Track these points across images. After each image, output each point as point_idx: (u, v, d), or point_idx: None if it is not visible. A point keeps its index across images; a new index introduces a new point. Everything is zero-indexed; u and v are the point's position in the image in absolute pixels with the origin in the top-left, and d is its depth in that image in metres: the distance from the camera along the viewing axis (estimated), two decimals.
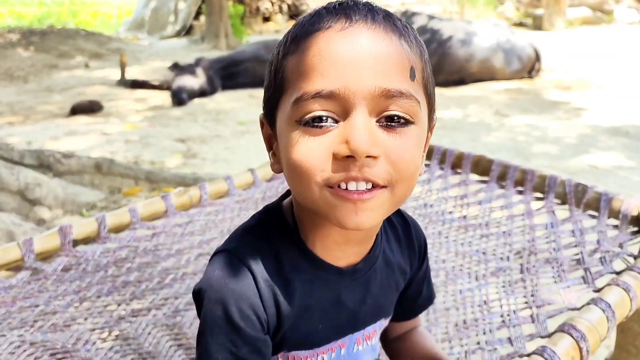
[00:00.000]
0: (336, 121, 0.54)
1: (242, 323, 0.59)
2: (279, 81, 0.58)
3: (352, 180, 0.53)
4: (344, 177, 0.53)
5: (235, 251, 0.62)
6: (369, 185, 0.54)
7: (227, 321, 0.59)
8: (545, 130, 4.66)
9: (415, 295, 0.80)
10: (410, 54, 0.55)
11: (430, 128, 0.64)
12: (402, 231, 0.75)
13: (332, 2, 0.58)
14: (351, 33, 0.53)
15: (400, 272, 0.74)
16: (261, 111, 0.65)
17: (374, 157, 0.53)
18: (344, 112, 0.53)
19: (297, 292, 0.63)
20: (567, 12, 14.03)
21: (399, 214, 0.75)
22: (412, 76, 0.55)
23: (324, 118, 0.54)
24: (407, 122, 0.55)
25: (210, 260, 0.64)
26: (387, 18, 0.56)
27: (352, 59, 0.52)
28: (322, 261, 0.64)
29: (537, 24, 13.95)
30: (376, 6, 0.58)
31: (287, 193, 0.69)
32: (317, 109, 0.53)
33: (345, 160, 0.53)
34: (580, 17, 14.45)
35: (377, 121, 0.54)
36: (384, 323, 0.75)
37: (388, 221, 0.72)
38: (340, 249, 0.64)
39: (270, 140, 0.63)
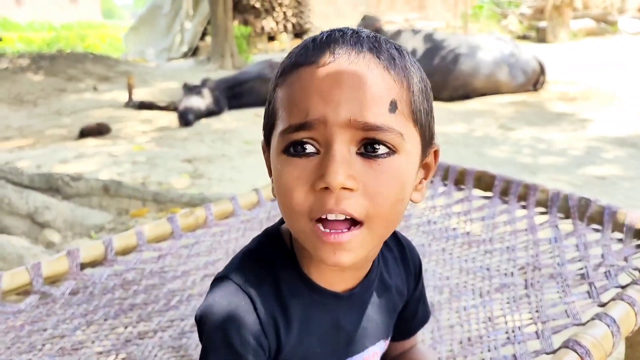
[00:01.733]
0: (318, 151, 0.56)
1: (242, 350, 0.60)
2: (271, 112, 0.61)
3: (329, 212, 0.54)
4: (321, 209, 0.55)
5: (235, 278, 0.63)
6: (342, 217, 0.55)
7: (228, 348, 0.60)
8: (550, 143, 4.65)
9: (411, 315, 0.81)
10: (392, 87, 0.56)
11: (428, 155, 0.64)
12: (397, 253, 0.75)
13: (322, 34, 0.60)
14: (333, 68, 0.55)
15: (398, 294, 0.75)
16: None
17: (350, 190, 0.54)
18: (325, 142, 0.55)
19: (296, 317, 0.64)
20: (570, 24, 14.09)
21: (394, 235, 0.76)
22: (392, 109, 0.55)
23: (306, 146, 0.55)
24: (389, 152, 0.56)
25: (211, 285, 0.66)
26: (372, 50, 0.57)
27: (332, 92, 0.54)
28: (319, 287, 0.65)
29: (541, 37, 14.01)
30: (364, 36, 0.58)
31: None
32: (299, 138, 0.55)
33: (323, 192, 0.54)
34: (584, 29, 14.49)
35: (357, 150, 0.55)
36: (383, 345, 0.75)
37: (384, 244, 0.73)
38: (336, 274, 0.65)
39: (270, 164, 0.65)
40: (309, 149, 0.56)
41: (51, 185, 2.96)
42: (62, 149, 4.67)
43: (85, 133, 5.29)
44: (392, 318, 0.75)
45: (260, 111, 6.08)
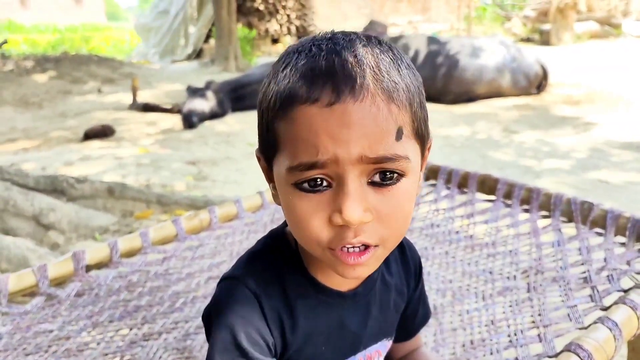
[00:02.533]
0: (330, 184, 0.56)
1: (249, 347, 0.61)
2: (272, 138, 0.59)
3: (348, 244, 0.57)
4: (340, 242, 0.57)
5: (242, 278, 0.65)
6: (362, 248, 0.58)
7: (235, 346, 0.61)
8: (554, 146, 4.65)
9: (412, 315, 0.82)
10: (398, 115, 0.56)
11: (426, 151, 0.65)
12: (397, 252, 0.77)
13: (318, 59, 0.56)
14: (339, 109, 0.54)
15: (398, 293, 0.76)
16: None
17: (366, 222, 0.56)
18: (337, 177, 0.56)
19: (301, 316, 0.65)
20: (574, 26, 14.06)
21: None
22: (399, 137, 0.56)
23: (319, 181, 0.56)
24: (398, 177, 0.57)
25: (218, 285, 0.67)
26: (375, 82, 0.55)
27: (341, 132, 0.53)
28: (324, 286, 0.67)
29: (545, 39, 14.00)
30: (364, 62, 0.55)
31: None
32: (312, 175, 0.56)
33: (340, 227, 0.56)
34: (588, 31, 14.47)
35: (368, 181, 0.56)
36: (387, 344, 0.77)
37: None
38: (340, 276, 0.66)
39: (268, 173, 0.65)
40: (321, 183, 0.56)
41: (56, 187, 2.98)
42: (66, 151, 4.69)
43: (89, 135, 5.31)
44: (395, 317, 0.77)
45: None
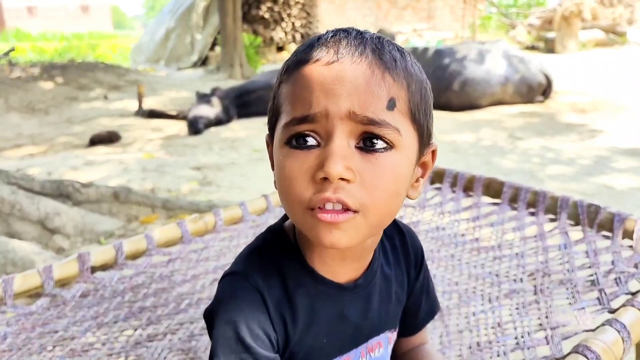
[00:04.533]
0: (319, 144, 0.58)
1: (252, 342, 0.60)
2: (275, 106, 0.63)
3: (326, 201, 0.56)
4: (319, 198, 0.56)
5: (243, 273, 0.64)
6: (339, 208, 0.57)
7: (238, 341, 0.60)
8: (559, 152, 4.63)
9: (415, 308, 0.81)
10: (392, 86, 0.58)
11: (426, 154, 0.66)
12: (398, 242, 0.76)
13: (327, 33, 0.62)
14: (336, 67, 0.57)
15: (399, 285, 0.75)
16: None
17: (348, 180, 0.56)
18: (326, 135, 0.57)
19: (301, 308, 0.65)
20: (579, 34, 14.07)
21: (394, 224, 0.77)
22: (391, 107, 0.57)
23: (307, 138, 0.58)
24: (387, 147, 0.58)
25: (219, 282, 0.67)
26: (374, 51, 0.59)
27: (334, 88, 0.56)
28: (324, 278, 0.67)
29: (550, 47, 14.01)
30: (368, 38, 0.60)
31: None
32: (302, 130, 0.58)
33: (323, 182, 0.56)
34: (593, 39, 14.48)
35: (356, 144, 0.57)
36: (390, 336, 0.76)
37: (383, 233, 0.74)
38: (338, 265, 0.67)
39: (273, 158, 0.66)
40: (310, 141, 0.58)
41: (62, 192, 2.99)
42: (72, 157, 4.71)
43: (95, 141, 5.34)
44: (397, 309, 0.76)
45: None
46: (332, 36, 0.61)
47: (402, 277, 0.76)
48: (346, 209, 0.57)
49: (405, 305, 0.79)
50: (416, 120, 0.61)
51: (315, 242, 0.60)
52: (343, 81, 0.56)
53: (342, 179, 0.56)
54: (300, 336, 0.66)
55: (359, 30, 0.62)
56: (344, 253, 0.66)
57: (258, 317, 0.62)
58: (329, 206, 0.56)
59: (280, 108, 0.62)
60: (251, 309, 0.62)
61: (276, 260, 0.66)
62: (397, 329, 0.78)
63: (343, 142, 0.56)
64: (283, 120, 0.60)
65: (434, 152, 0.68)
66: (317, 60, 0.58)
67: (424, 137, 0.63)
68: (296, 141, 0.58)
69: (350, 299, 0.69)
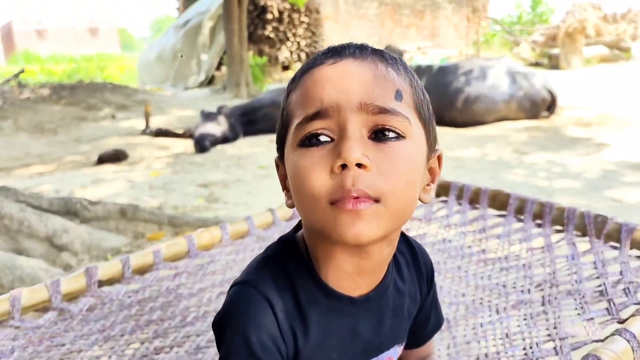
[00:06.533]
0: (332, 139, 0.59)
1: (262, 354, 0.60)
2: (285, 117, 0.64)
3: (347, 194, 0.56)
4: (340, 191, 0.56)
5: (254, 283, 0.63)
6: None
7: (248, 352, 0.60)
8: (566, 167, 4.62)
9: (424, 321, 0.81)
10: (397, 79, 0.61)
11: (433, 158, 0.66)
12: (410, 258, 0.76)
13: (329, 46, 0.65)
14: (340, 65, 0.60)
15: (411, 299, 0.75)
16: None
17: (365, 168, 0.56)
18: (339, 129, 0.58)
19: (313, 323, 0.64)
20: (583, 50, 14.12)
21: (406, 241, 0.77)
22: (398, 97, 0.59)
23: (320, 135, 0.59)
24: (398, 137, 0.59)
25: (229, 291, 0.66)
26: (375, 52, 0.63)
27: (342, 82, 0.59)
28: (336, 292, 0.65)
29: (554, 64, 14.05)
30: (366, 45, 0.64)
31: (300, 224, 0.71)
32: (314, 128, 0.59)
33: (341, 173, 0.56)
34: (597, 55, 14.52)
35: (369, 136, 0.59)
36: (398, 350, 0.76)
37: (397, 249, 0.73)
38: (353, 279, 0.66)
39: (285, 180, 0.66)
40: (324, 139, 0.59)
41: (69, 209, 3.01)
42: (80, 175, 4.75)
43: (103, 159, 5.39)
44: (407, 323, 0.75)
45: (275, 137, 6.15)
46: (335, 46, 0.64)
47: (415, 292, 0.76)
48: (366, 198, 0.56)
49: (415, 318, 0.78)
50: (422, 116, 0.63)
51: (337, 239, 0.58)
52: (351, 75, 0.59)
53: (359, 165, 0.56)
54: (312, 352, 0.65)
55: (358, 44, 0.65)
56: (360, 265, 0.64)
57: (268, 328, 0.61)
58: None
59: (290, 117, 0.63)
60: (261, 319, 0.61)
61: (288, 272, 0.65)
62: (404, 343, 0.77)
63: (357, 132, 0.58)
64: (295, 122, 0.61)
65: (439, 158, 0.68)
66: (322, 62, 0.61)
67: (431, 137, 0.65)
68: (309, 140, 0.59)
69: (362, 314, 0.68)
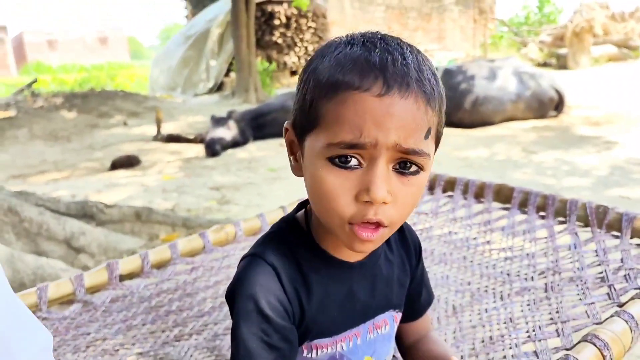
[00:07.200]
0: (360, 164, 0.64)
1: (271, 313, 0.67)
2: (313, 115, 0.65)
3: (368, 221, 0.64)
4: (361, 218, 0.64)
5: (260, 254, 0.71)
6: (375, 226, 0.65)
7: (258, 312, 0.67)
8: (574, 165, 4.64)
9: (416, 294, 0.89)
10: (431, 117, 0.65)
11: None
12: (398, 235, 0.84)
13: (371, 52, 0.64)
14: (387, 101, 0.61)
15: (401, 270, 0.83)
16: None
17: (386, 204, 0.64)
18: (370, 159, 0.63)
19: (314, 286, 0.72)
20: (591, 50, 14.06)
21: None
22: (427, 136, 0.65)
23: (350, 159, 0.64)
24: (418, 170, 0.66)
25: (238, 264, 0.74)
26: (418, 83, 0.63)
27: (385, 120, 0.62)
28: (334, 258, 0.74)
29: (562, 64, 14.01)
30: (410, 63, 0.64)
31: (299, 207, 0.79)
32: (349, 153, 0.63)
33: (365, 203, 0.63)
34: (605, 55, 14.45)
35: (393, 167, 0.65)
36: (395, 315, 0.83)
37: None
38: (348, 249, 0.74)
39: (293, 146, 0.72)
40: (353, 162, 0.64)
41: (86, 212, 3.09)
42: (95, 180, 4.85)
43: (116, 165, 5.49)
44: (401, 292, 0.83)
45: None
46: (379, 60, 0.63)
47: (403, 264, 0.84)
48: (378, 225, 0.65)
49: (408, 292, 0.86)
50: (438, 136, 0.69)
51: (345, 246, 0.69)
52: (393, 115, 0.61)
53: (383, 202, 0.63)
54: (314, 312, 0.72)
55: (400, 48, 0.65)
56: None
57: (275, 291, 0.68)
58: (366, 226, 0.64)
59: (319, 121, 0.65)
60: (268, 284, 0.68)
61: (290, 244, 0.73)
62: (401, 311, 0.85)
63: (385, 167, 0.63)
64: (326, 137, 0.63)
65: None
66: (367, 89, 0.61)
67: (438, 145, 0.71)
68: (339, 159, 0.64)
69: (358, 278, 0.76)
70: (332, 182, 0.64)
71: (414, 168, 0.65)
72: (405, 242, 0.85)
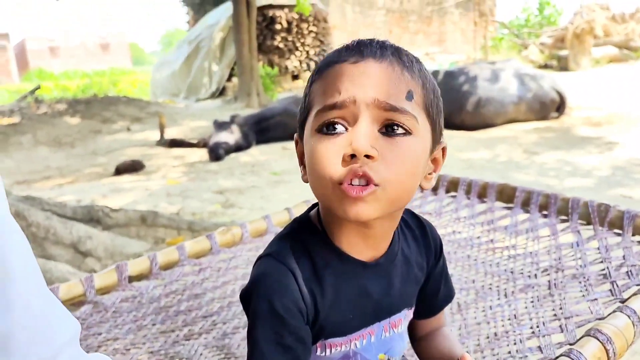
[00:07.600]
0: (346, 128, 0.67)
1: (286, 314, 0.68)
2: (307, 103, 0.72)
3: (353, 174, 0.65)
4: (348, 174, 0.65)
5: (275, 254, 0.72)
6: (364, 182, 0.65)
7: (273, 314, 0.68)
8: (576, 165, 4.65)
9: (434, 291, 0.88)
10: (410, 81, 0.68)
11: (437, 150, 0.74)
12: (418, 232, 0.84)
13: (353, 41, 0.72)
14: (362, 64, 0.67)
15: (419, 268, 0.83)
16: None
17: (372, 158, 0.65)
18: (353, 120, 0.66)
19: (329, 285, 0.73)
20: (592, 51, 14.06)
21: (415, 217, 0.86)
22: (409, 97, 0.67)
23: (336, 126, 0.67)
24: (406, 133, 0.67)
25: (254, 265, 0.75)
26: (394, 54, 0.69)
27: (360, 79, 0.66)
28: (349, 256, 0.74)
29: (563, 65, 14.01)
30: (388, 45, 0.70)
31: (311, 208, 0.80)
32: (332, 117, 0.67)
33: (351, 160, 0.65)
34: (606, 56, 14.45)
35: (379, 130, 0.67)
36: (408, 313, 0.83)
37: (405, 224, 0.83)
38: (361, 246, 0.74)
39: (302, 157, 0.75)
40: (339, 128, 0.67)
41: (92, 217, 3.12)
42: (99, 185, 4.88)
43: (120, 170, 5.52)
44: (415, 289, 0.83)
45: (287, 144, 6.26)
46: (357, 43, 0.70)
47: (421, 262, 0.84)
48: (368, 183, 0.65)
49: (424, 289, 0.86)
50: (430, 114, 0.70)
51: (341, 215, 0.68)
52: (369, 74, 0.66)
53: (367, 156, 0.64)
54: (328, 311, 0.73)
55: (380, 40, 0.71)
56: (365, 233, 0.73)
57: (290, 293, 0.69)
58: (355, 182, 0.65)
59: (311, 103, 0.71)
60: (284, 285, 0.69)
61: (304, 243, 0.74)
62: (413, 308, 0.85)
63: (368, 125, 0.66)
64: (315, 109, 0.69)
65: (444, 150, 0.76)
66: (345, 60, 0.68)
67: (437, 132, 0.73)
68: (326, 128, 0.67)
69: (372, 277, 0.76)
70: (321, 150, 0.67)
71: (400, 130, 0.66)
72: (426, 240, 0.85)
